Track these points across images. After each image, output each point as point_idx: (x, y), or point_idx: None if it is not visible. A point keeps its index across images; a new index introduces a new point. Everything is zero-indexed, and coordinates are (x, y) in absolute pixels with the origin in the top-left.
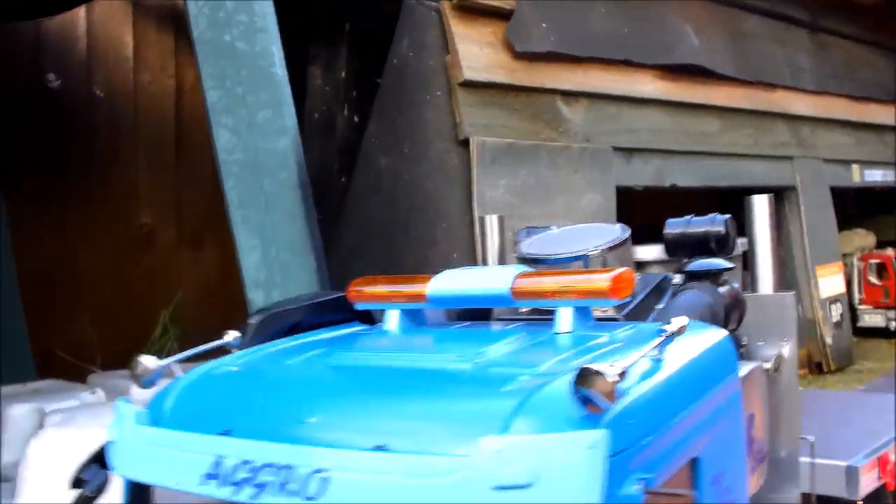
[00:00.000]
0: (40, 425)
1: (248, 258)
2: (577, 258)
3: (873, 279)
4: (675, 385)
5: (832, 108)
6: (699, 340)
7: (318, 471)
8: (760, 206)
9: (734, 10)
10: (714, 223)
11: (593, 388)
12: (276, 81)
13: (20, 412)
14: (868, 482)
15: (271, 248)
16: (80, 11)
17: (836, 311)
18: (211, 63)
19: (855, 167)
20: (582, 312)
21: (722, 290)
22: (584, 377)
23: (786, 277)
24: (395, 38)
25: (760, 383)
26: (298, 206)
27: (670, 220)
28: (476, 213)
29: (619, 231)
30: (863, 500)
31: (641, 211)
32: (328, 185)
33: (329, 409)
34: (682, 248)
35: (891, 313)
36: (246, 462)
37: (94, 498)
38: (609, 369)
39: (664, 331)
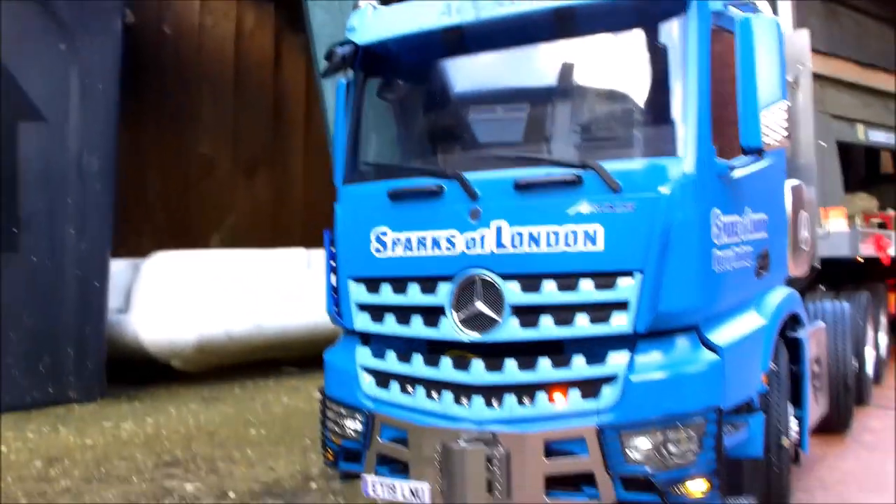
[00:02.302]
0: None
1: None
2: None
3: None
4: None
5: (841, 70)
6: None
7: None
8: None
9: None
10: None
11: None
12: None
13: (119, 266)
14: (866, 249)
15: None
16: None
17: None
18: None
19: (860, 126)
20: None
21: None
22: None
23: None
24: None
25: None
26: None
27: None
28: None
29: None
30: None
31: None
32: None
33: None
34: None
35: None
36: None
37: (344, 65)
38: None
39: None
